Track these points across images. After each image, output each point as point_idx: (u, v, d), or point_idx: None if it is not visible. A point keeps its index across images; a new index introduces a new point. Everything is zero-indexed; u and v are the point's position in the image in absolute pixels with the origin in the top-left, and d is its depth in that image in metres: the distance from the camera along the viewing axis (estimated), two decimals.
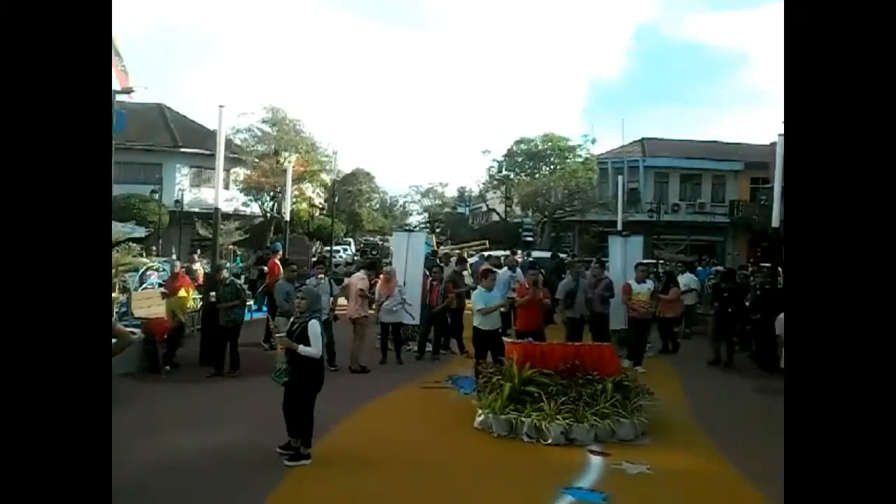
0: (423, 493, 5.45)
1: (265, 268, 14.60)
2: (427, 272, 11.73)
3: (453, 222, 48.67)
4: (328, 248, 31.12)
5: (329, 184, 34.73)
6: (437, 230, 47.70)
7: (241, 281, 18.35)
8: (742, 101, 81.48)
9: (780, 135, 12.61)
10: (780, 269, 16.05)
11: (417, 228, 35.45)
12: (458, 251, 22.32)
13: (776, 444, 7.19)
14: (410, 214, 61.57)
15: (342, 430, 7.04)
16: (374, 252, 23.13)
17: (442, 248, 27.99)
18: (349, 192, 44.02)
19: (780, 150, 12.15)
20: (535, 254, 21.54)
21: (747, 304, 11.98)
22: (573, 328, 10.53)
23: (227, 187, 28.52)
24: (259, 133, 31.41)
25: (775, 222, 11.68)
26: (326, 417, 7.04)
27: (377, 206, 65.22)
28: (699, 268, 17.38)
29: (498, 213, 39.70)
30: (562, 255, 21.57)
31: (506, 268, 12.63)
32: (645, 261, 12.15)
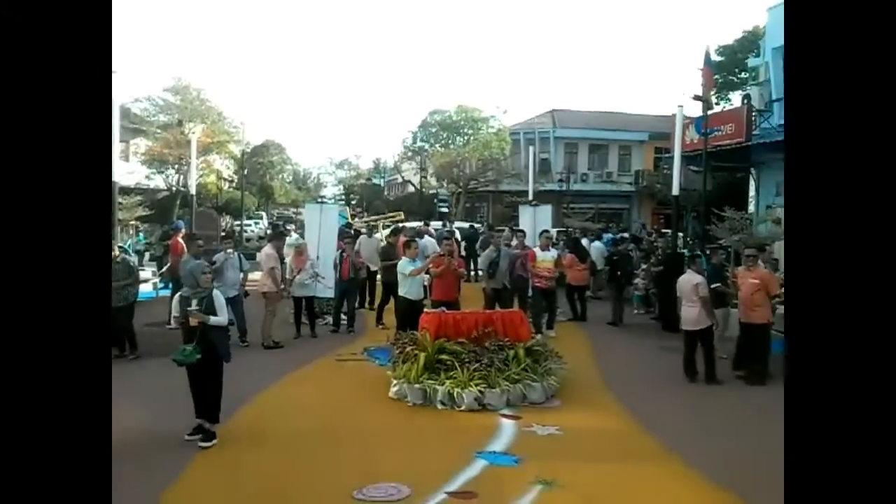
0: (336, 466, 5.45)
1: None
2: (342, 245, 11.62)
3: (368, 194, 48.29)
4: (238, 222, 30.17)
5: (238, 155, 33.55)
6: (353, 202, 47.18)
7: (147, 258, 17.57)
8: (647, 74, 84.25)
9: (679, 106, 13.23)
10: (679, 234, 16.86)
11: (332, 201, 34.86)
12: (374, 223, 22.18)
13: (674, 398, 7.71)
14: (325, 186, 60.49)
15: (253, 408, 6.92)
16: (286, 226, 22.65)
17: (357, 220, 27.72)
18: (260, 164, 42.62)
19: (678, 121, 12.72)
20: (458, 224, 21.74)
21: (649, 268, 12.59)
22: (495, 298, 10.66)
23: (126, 159, 26.96)
24: (161, 102, 29.78)
25: (675, 190, 12.27)
26: (237, 395, 6.90)
27: (290, 178, 63.60)
28: (607, 235, 18.05)
29: (413, 185, 39.62)
30: (476, 226, 21.83)
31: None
32: (553, 229, 12.46)
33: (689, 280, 8.42)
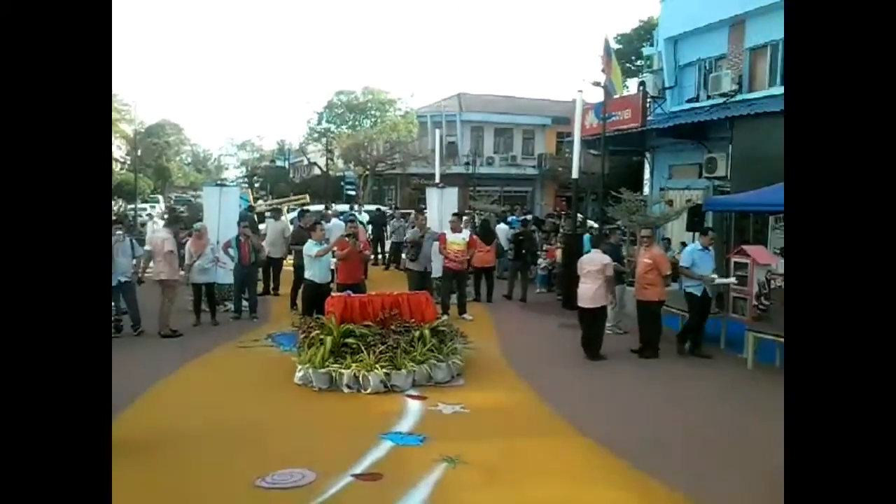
0: (235, 456, 5.29)
1: None
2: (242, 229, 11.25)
3: (272, 176, 46.84)
4: (132, 205, 28.60)
5: (130, 135, 31.69)
6: (256, 185, 45.69)
7: None
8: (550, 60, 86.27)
9: (578, 91, 13.65)
10: (579, 215, 17.42)
11: (234, 183, 33.63)
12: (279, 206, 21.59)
13: (573, 372, 8.02)
14: (226, 168, 58.24)
15: (147, 400, 6.62)
16: (183, 209, 21.62)
17: (261, 203, 26.90)
18: (155, 144, 40.54)
19: (578, 107, 13.11)
20: (366, 207, 21.53)
21: (551, 248, 12.99)
22: (417, 281, 10.63)
23: None
24: None
25: (574, 173, 12.69)
26: (130, 388, 6.59)
27: (188, 159, 60.73)
28: (511, 217, 18.43)
29: (319, 167, 38.87)
30: (383, 209, 21.73)
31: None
32: (458, 212, 12.56)
33: (598, 259, 8.55)
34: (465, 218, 12.66)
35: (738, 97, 16.23)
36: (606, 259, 8.52)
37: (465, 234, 11.50)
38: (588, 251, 9.79)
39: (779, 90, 15.26)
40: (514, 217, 17.85)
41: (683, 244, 13.92)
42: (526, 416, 6.40)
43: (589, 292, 8.45)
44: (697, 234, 10.12)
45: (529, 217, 17.79)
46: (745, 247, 9.10)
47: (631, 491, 4.76)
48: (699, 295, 8.73)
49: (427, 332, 7.55)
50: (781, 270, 10.88)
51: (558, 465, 5.22)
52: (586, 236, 12.44)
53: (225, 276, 10.93)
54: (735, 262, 8.60)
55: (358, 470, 4.96)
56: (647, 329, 8.82)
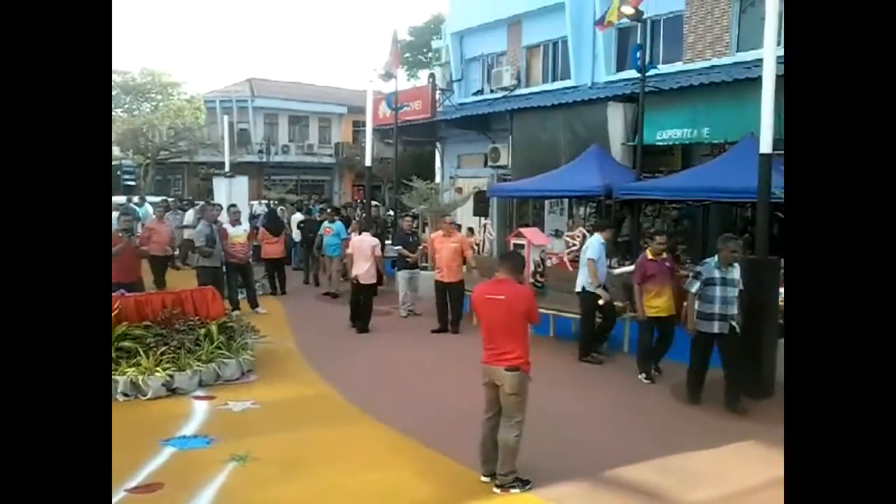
0: None
1: None
2: None
3: None
4: None
5: None
6: None
7: None
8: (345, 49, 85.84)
9: (370, 81, 13.80)
10: (375, 202, 17.58)
11: None
12: None
13: (363, 357, 8.14)
14: None
15: None
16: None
17: None
18: None
19: (369, 96, 13.23)
20: (150, 199, 19.78)
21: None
22: (210, 278, 9.91)
23: None
24: None
25: (367, 162, 12.84)
26: None
27: None
28: (311, 206, 18.16)
29: None
30: (170, 200, 20.12)
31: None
32: (256, 201, 12.11)
33: (367, 241, 9.46)
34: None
35: (518, 91, 17.49)
36: (374, 241, 9.48)
37: (246, 225, 11.14)
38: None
39: (551, 86, 16.71)
40: (314, 206, 17.64)
41: (471, 230, 14.77)
42: (319, 407, 6.38)
43: (361, 270, 9.35)
44: (595, 228, 9.53)
45: (324, 206, 17.69)
46: (521, 229, 9.86)
47: (422, 470, 4.97)
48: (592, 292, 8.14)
49: (214, 328, 7.19)
50: (556, 250, 12.00)
51: (352, 452, 5.28)
52: (338, 223, 12.60)
53: None
54: (514, 244, 9.28)
55: (133, 483, 4.59)
56: (456, 309, 9.43)
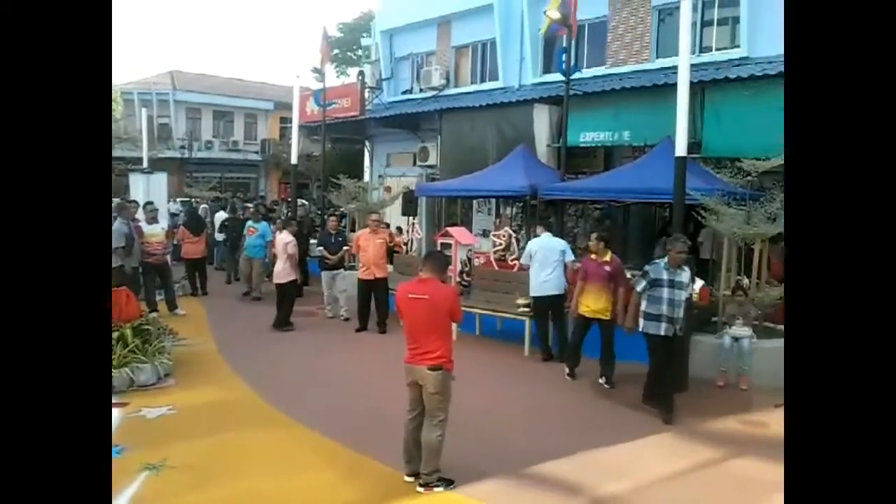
0: None
1: None
2: None
3: None
4: None
5: None
6: None
7: None
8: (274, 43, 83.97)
9: (296, 76, 13.52)
10: (303, 201, 17.22)
11: None
12: None
13: (287, 360, 7.98)
14: None
15: None
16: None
17: None
18: None
19: (296, 92, 12.99)
20: None
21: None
22: (125, 278, 9.42)
23: None
24: None
25: (294, 159, 12.61)
26: None
27: None
28: (237, 204, 17.65)
29: None
30: None
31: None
32: (152, 200, 11.54)
33: (282, 239, 9.57)
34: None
35: (447, 91, 17.55)
36: (288, 239, 9.51)
37: (164, 223, 10.74)
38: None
39: (480, 86, 16.86)
40: (239, 204, 17.19)
41: (399, 229, 14.72)
42: (240, 411, 6.20)
43: (278, 268, 9.59)
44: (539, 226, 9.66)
45: (250, 205, 17.27)
46: (449, 229, 9.90)
47: (346, 472, 4.91)
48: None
49: (128, 332, 6.88)
50: (483, 249, 12.11)
51: (274, 456, 5.16)
52: (263, 224, 12.37)
53: None
54: (441, 243, 9.31)
55: None
56: (382, 308, 9.44)
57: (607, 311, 7.07)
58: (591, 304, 7.10)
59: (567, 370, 7.36)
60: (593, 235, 7.43)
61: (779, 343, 7.40)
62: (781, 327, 7.74)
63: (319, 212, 16.69)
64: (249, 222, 12.44)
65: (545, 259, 8.04)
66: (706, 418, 6.12)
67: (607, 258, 7.19)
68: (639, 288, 6.20)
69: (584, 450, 5.34)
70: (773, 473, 4.96)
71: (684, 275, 6.17)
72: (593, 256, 7.23)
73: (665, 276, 6.08)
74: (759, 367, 7.12)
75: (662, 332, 6.07)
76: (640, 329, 6.20)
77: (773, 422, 6.08)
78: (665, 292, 6.06)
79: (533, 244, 8.22)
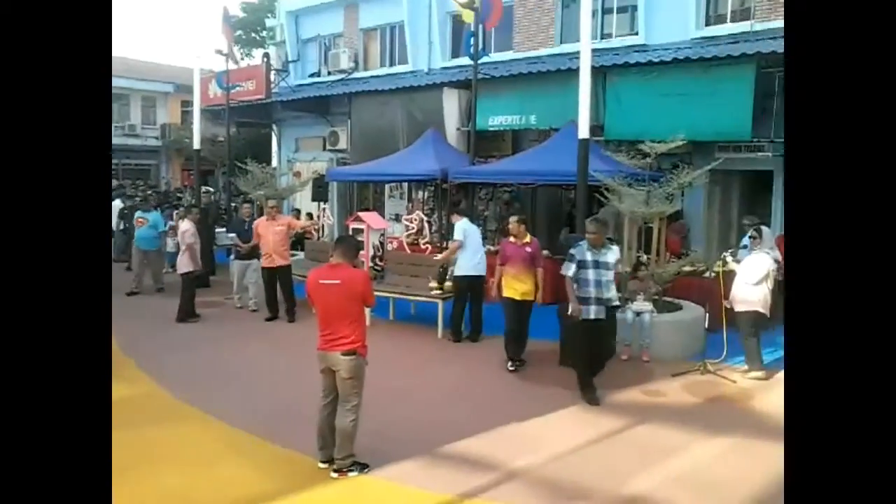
0: None
1: None
2: None
3: None
4: None
5: None
6: None
7: None
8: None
9: (196, 57, 12.96)
10: (210, 188, 16.65)
11: None
12: None
13: (192, 353, 7.74)
14: None
15: None
16: None
17: None
18: None
19: (196, 75, 12.45)
20: None
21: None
22: None
23: None
24: None
25: (196, 144, 12.13)
26: None
27: None
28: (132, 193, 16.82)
29: None
30: None
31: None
32: None
33: (181, 228, 9.49)
34: None
35: (356, 75, 17.33)
36: (185, 227, 9.35)
37: None
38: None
39: (389, 70, 16.73)
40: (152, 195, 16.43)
41: (309, 215, 14.47)
42: (148, 407, 5.97)
43: (179, 258, 9.41)
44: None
45: (151, 193, 16.55)
46: (360, 214, 9.83)
47: (259, 462, 4.84)
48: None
49: None
50: (396, 234, 12.11)
51: (184, 451, 5.02)
52: (155, 214, 11.95)
53: None
54: (352, 229, 9.23)
55: None
56: (288, 295, 9.32)
57: (532, 292, 7.11)
58: (519, 286, 7.05)
59: (514, 360, 7.12)
60: (513, 218, 7.34)
61: (676, 317, 7.86)
62: (679, 301, 8.21)
63: (227, 199, 16.14)
64: (139, 212, 11.73)
65: (477, 242, 8.37)
66: (612, 390, 6.41)
67: (527, 240, 7.22)
68: (570, 273, 6.06)
69: (497, 426, 5.49)
70: (671, 439, 5.32)
71: (610, 254, 6.13)
72: (513, 239, 7.21)
73: (589, 256, 6.05)
74: (658, 339, 7.53)
75: (592, 316, 6.02)
76: (569, 313, 6.11)
77: (671, 391, 6.48)
78: (591, 273, 6.03)
79: (465, 226, 8.33)
